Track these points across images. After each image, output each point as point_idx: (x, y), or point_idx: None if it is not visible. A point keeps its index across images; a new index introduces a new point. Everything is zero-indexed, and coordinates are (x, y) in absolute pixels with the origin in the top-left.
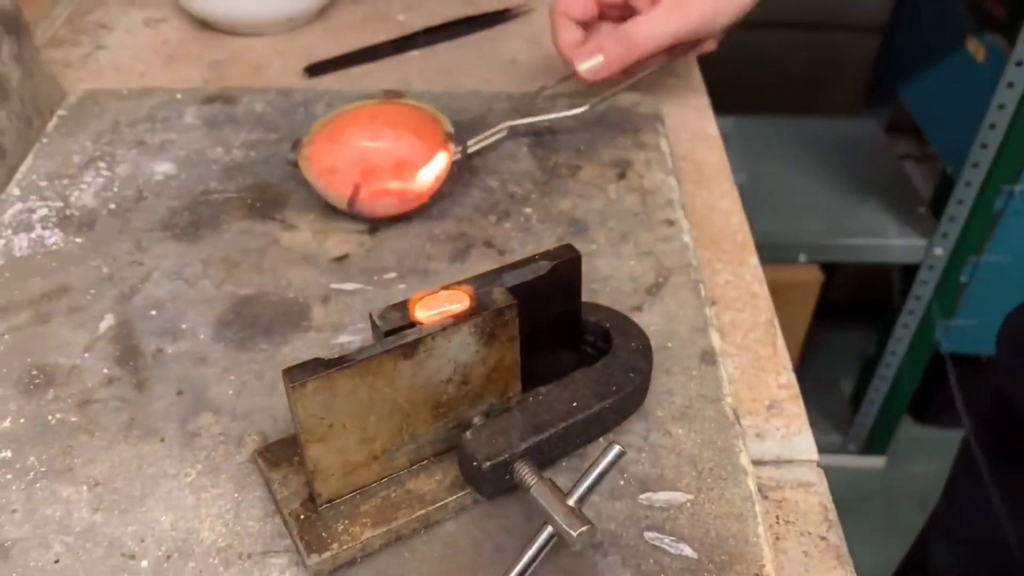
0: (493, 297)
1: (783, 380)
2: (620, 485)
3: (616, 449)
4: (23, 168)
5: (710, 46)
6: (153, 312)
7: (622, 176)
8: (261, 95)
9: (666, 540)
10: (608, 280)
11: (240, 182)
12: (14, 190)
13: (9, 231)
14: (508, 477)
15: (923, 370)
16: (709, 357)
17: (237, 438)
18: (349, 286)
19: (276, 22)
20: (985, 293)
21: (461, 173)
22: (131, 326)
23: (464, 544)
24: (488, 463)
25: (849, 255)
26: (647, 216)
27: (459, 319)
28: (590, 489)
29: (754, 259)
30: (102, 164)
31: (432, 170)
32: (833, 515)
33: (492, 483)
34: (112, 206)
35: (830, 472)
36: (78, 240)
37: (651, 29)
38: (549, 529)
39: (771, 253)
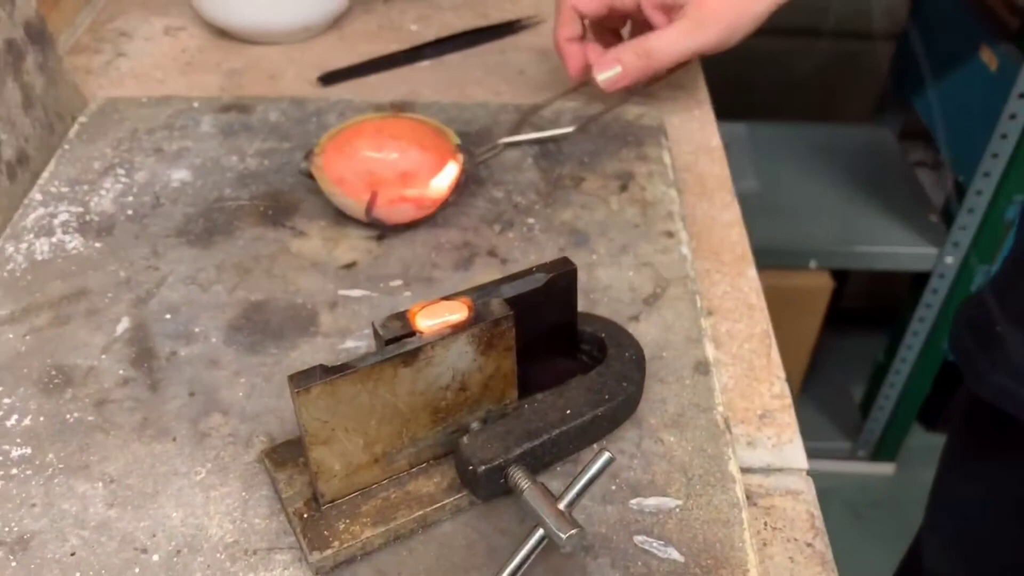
0: (491, 308)
1: (776, 390)
2: (612, 490)
3: (605, 456)
4: (45, 174)
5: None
6: (168, 316)
7: (624, 188)
8: (275, 104)
9: (655, 544)
10: (607, 290)
11: (253, 190)
12: (36, 195)
13: (31, 235)
14: (502, 481)
15: (933, 378)
16: (703, 367)
17: (245, 439)
18: (356, 293)
19: (291, 31)
20: None
21: (467, 184)
22: (146, 329)
23: (460, 544)
24: (483, 467)
25: (859, 262)
26: (647, 228)
27: (457, 329)
28: (580, 494)
29: (752, 271)
30: (121, 171)
31: (446, 178)
32: (819, 523)
33: (487, 486)
34: (130, 212)
35: (839, 478)
36: (97, 245)
37: (671, 45)
38: (540, 531)
39: (781, 259)
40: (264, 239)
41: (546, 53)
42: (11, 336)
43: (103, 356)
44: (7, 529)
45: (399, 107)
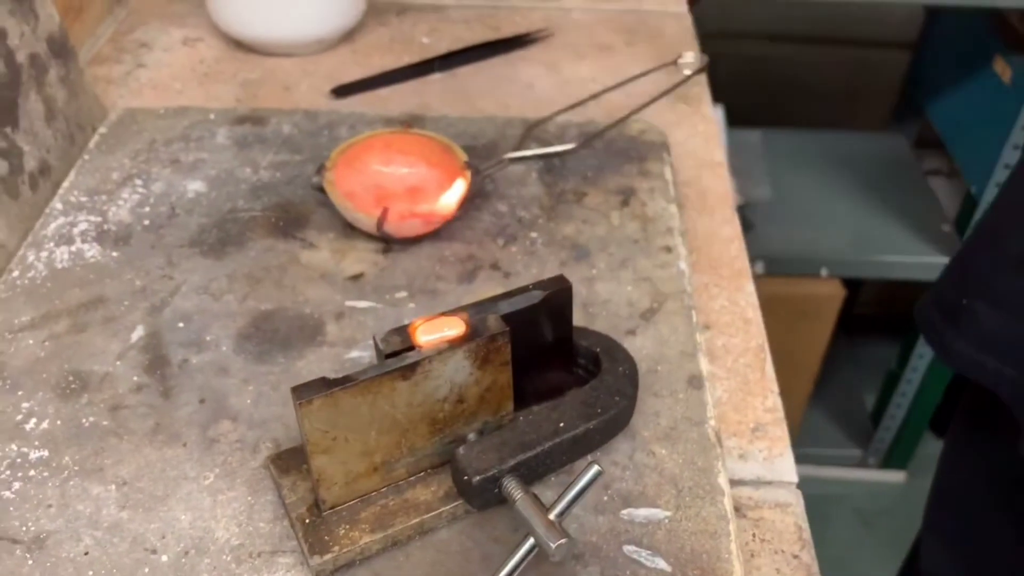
0: (487, 324)
1: (769, 404)
2: (604, 501)
3: (594, 469)
4: (66, 184)
5: None
6: (181, 324)
7: (625, 203)
8: (289, 116)
9: (643, 554)
10: (606, 304)
11: (265, 201)
12: (57, 204)
13: (52, 243)
14: (496, 491)
15: (944, 387)
16: (696, 381)
17: (252, 445)
18: (362, 304)
19: (306, 43)
20: None
21: (473, 198)
22: (160, 337)
23: (455, 551)
24: (478, 477)
25: (870, 271)
26: (647, 243)
27: (455, 344)
28: (570, 505)
29: (750, 286)
30: (138, 181)
31: (454, 194)
32: (807, 535)
33: (481, 496)
34: (146, 222)
35: (850, 485)
36: (114, 254)
37: None
38: (531, 540)
39: (792, 267)
40: (275, 250)
41: (554, 66)
42: (31, 342)
43: (118, 363)
44: (24, 528)
45: (408, 123)
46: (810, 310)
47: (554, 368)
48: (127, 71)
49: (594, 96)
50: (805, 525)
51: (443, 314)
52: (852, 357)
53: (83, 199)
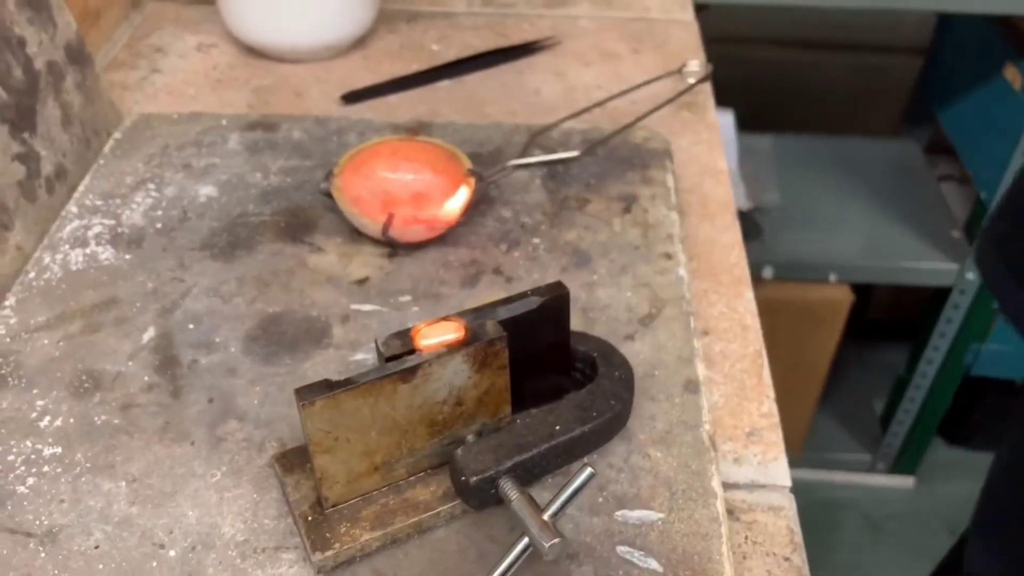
0: (486, 329)
1: (765, 409)
2: (599, 502)
3: (587, 471)
4: (81, 187)
5: None
6: (191, 325)
7: (627, 210)
8: (299, 122)
9: (636, 554)
10: (605, 309)
11: (275, 206)
12: (72, 208)
13: (67, 246)
14: (493, 491)
15: (954, 392)
16: (692, 386)
17: (259, 444)
18: (367, 307)
19: (317, 50)
20: None
21: (478, 204)
22: (171, 338)
23: (452, 550)
24: (475, 478)
25: (879, 276)
26: (647, 249)
27: (454, 348)
28: (563, 506)
29: (749, 293)
30: (151, 185)
31: (458, 201)
32: (799, 538)
33: (478, 496)
34: (159, 225)
35: (858, 490)
36: (127, 256)
37: None
38: (525, 540)
39: (801, 272)
40: (283, 254)
41: (561, 74)
42: (46, 342)
43: (130, 363)
44: (38, 522)
45: (414, 130)
46: (819, 315)
47: (552, 372)
48: (142, 76)
49: (599, 103)
50: (797, 528)
51: (443, 319)
52: (861, 362)
53: (98, 202)
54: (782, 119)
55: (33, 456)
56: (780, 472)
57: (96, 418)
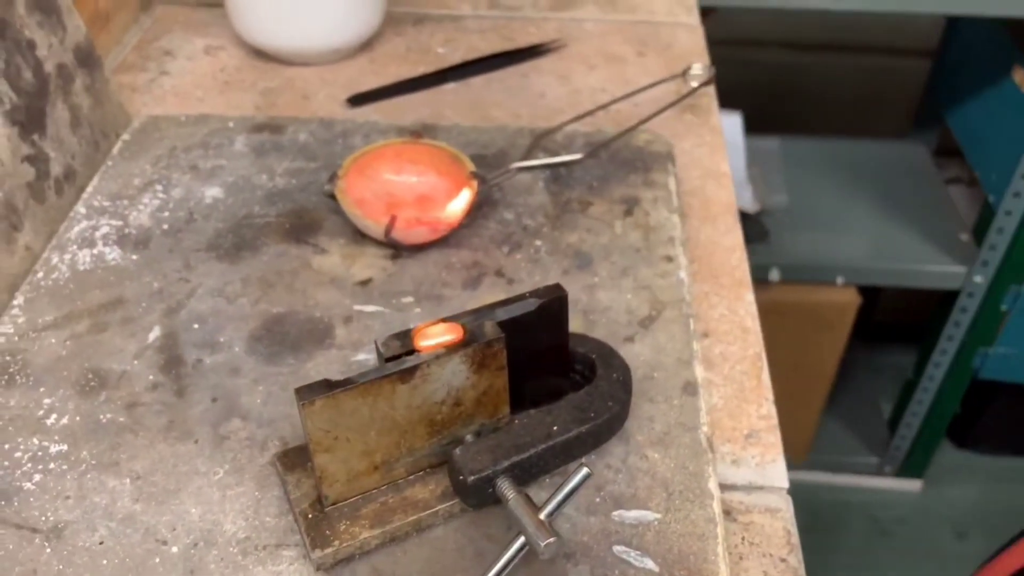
0: (484, 330)
1: (763, 411)
2: (596, 502)
3: (583, 472)
4: (89, 188)
5: None
6: (196, 325)
7: (629, 213)
8: (305, 125)
9: (632, 554)
10: (606, 312)
11: (280, 207)
12: (81, 209)
13: (75, 246)
14: (491, 491)
15: (961, 396)
16: (691, 388)
17: (261, 443)
18: (370, 308)
19: (324, 53)
20: None
21: (481, 206)
22: (176, 337)
23: (450, 548)
24: (472, 477)
25: (886, 279)
26: (648, 252)
27: (452, 349)
28: (559, 505)
29: (750, 295)
30: (159, 187)
31: (460, 202)
32: (795, 539)
33: (476, 495)
34: (165, 226)
35: (865, 493)
36: (134, 257)
37: None
38: (522, 539)
39: (808, 274)
40: (287, 255)
41: (566, 77)
42: (53, 341)
43: (135, 362)
44: (43, 518)
45: (418, 133)
46: (826, 318)
47: (551, 374)
48: (151, 79)
49: (603, 106)
50: (794, 530)
51: (442, 320)
52: (869, 364)
53: (106, 204)
54: (790, 121)
55: (40, 453)
56: (778, 474)
57: (102, 416)
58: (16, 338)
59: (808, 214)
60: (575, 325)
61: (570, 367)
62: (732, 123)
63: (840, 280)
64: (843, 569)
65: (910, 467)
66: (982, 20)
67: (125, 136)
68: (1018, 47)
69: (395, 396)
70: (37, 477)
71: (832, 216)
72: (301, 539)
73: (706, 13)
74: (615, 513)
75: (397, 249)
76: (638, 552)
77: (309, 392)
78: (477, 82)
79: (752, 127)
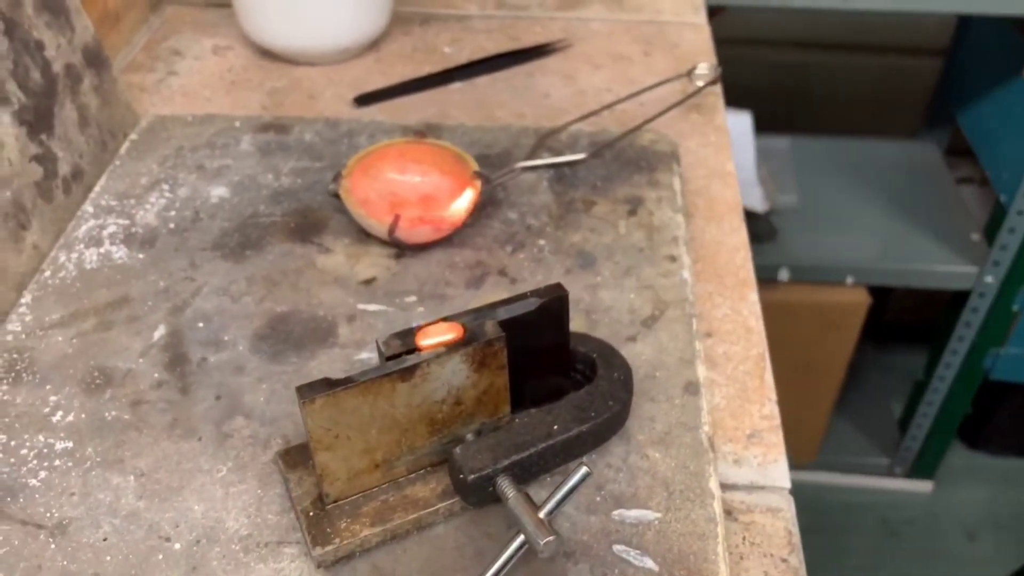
0: (485, 329)
1: (766, 411)
2: (597, 501)
3: (582, 471)
4: (97, 188)
5: None
6: (200, 324)
7: (633, 212)
8: (311, 125)
9: (632, 553)
10: (608, 311)
11: (285, 207)
12: (88, 208)
13: (82, 245)
14: (491, 489)
15: (972, 396)
16: (692, 388)
17: (264, 441)
18: (373, 307)
19: (331, 52)
20: None
21: (484, 205)
22: (181, 336)
23: (450, 546)
24: (472, 476)
25: (897, 279)
26: (652, 252)
27: (452, 348)
28: (558, 504)
29: (754, 295)
30: (165, 186)
31: (463, 202)
32: (796, 539)
33: (476, 494)
34: (172, 226)
35: (875, 494)
36: (140, 256)
37: None
38: (521, 538)
39: (818, 274)
40: (292, 254)
41: (571, 76)
42: (60, 339)
43: (140, 360)
44: (48, 515)
45: (422, 132)
46: (835, 318)
47: (552, 373)
48: (159, 78)
49: (608, 106)
50: (795, 530)
51: (443, 320)
52: (879, 365)
53: (113, 203)
54: (800, 121)
55: (45, 450)
56: (780, 474)
57: (107, 414)
58: (23, 336)
59: (818, 214)
60: (577, 324)
61: (571, 366)
62: (742, 122)
63: (850, 280)
64: (852, 571)
65: (920, 468)
66: (994, 19)
67: (133, 136)
68: None
69: (395, 395)
70: (43, 474)
71: (842, 216)
72: (302, 536)
73: (716, 12)
74: (615, 512)
75: (401, 248)
76: (638, 551)
77: (310, 390)
78: (483, 82)
79: (762, 126)
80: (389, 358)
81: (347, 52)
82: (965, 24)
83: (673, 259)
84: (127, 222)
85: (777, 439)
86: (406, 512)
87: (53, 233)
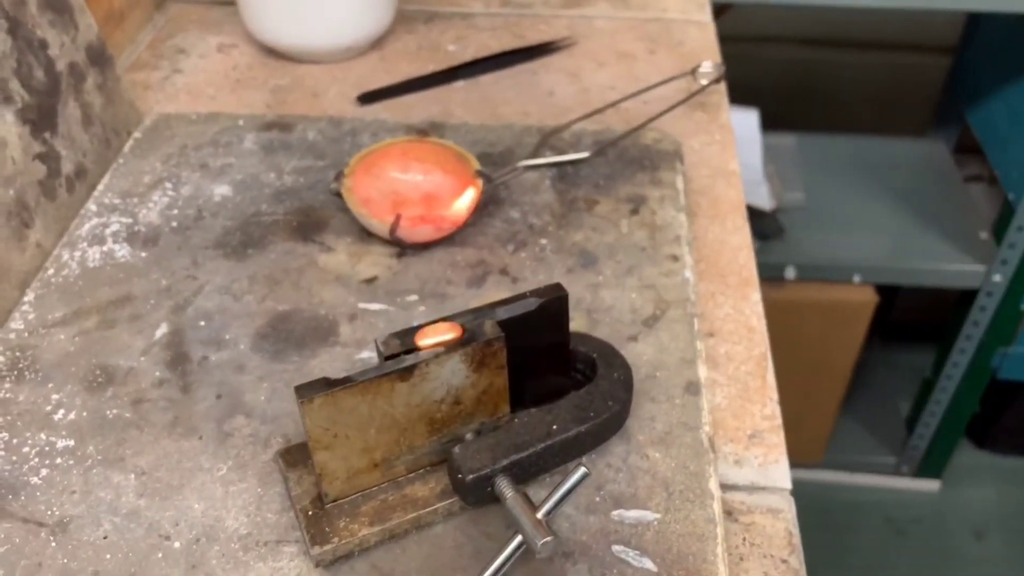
0: (484, 329)
1: (767, 412)
2: (596, 501)
3: (581, 471)
4: (100, 186)
5: None
6: (202, 323)
7: (635, 211)
8: (314, 123)
9: (631, 553)
10: (610, 311)
11: (288, 206)
12: (91, 206)
13: (85, 244)
14: (489, 489)
15: (980, 395)
16: (693, 388)
17: (264, 439)
18: (375, 306)
19: (335, 51)
20: None
21: (486, 204)
22: (182, 334)
23: (449, 546)
24: (471, 476)
25: (904, 278)
26: (654, 251)
27: (451, 348)
28: (556, 505)
29: (756, 295)
30: (168, 185)
31: (465, 201)
32: (796, 540)
33: (475, 494)
34: (174, 224)
35: (882, 493)
36: (143, 254)
37: None
38: (519, 538)
39: (825, 273)
40: (294, 253)
41: (576, 74)
42: (62, 337)
43: (142, 358)
44: (49, 513)
45: (425, 131)
46: (843, 317)
47: (552, 373)
48: (164, 76)
49: (611, 104)
50: (796, 531)
51: (443, 319)
52: (887, 363)
53: (116, 201)
54: (808, 118)
55: (47, 448)
56: (780, 474)
57: (108, 412)
58: (26, 334)
59: (825, 212)
60: (578, 324)
61: (571, 366)
62: (749, 120)
63: (857, 278)
64: (859, 570)
65: (928, 467)
66: (1003, 16)
67: (136, 134)
68: None
69: (394, 394)
70: (44, 472)
71: (849, 214)
72: (301, 535)
73: (722, 10)
74: (615, 512)
75: (402, 247)
76: (637, 552)
77: (308, 390)
78: (487, 80)
79: (769, 124)
80: (388, 358)
81: (351, 50)
82: (974, 21)
83: (675, 258)
84: (130, 220)
85: (778, 439)
86: (405, 512)
87: (56, 231)
